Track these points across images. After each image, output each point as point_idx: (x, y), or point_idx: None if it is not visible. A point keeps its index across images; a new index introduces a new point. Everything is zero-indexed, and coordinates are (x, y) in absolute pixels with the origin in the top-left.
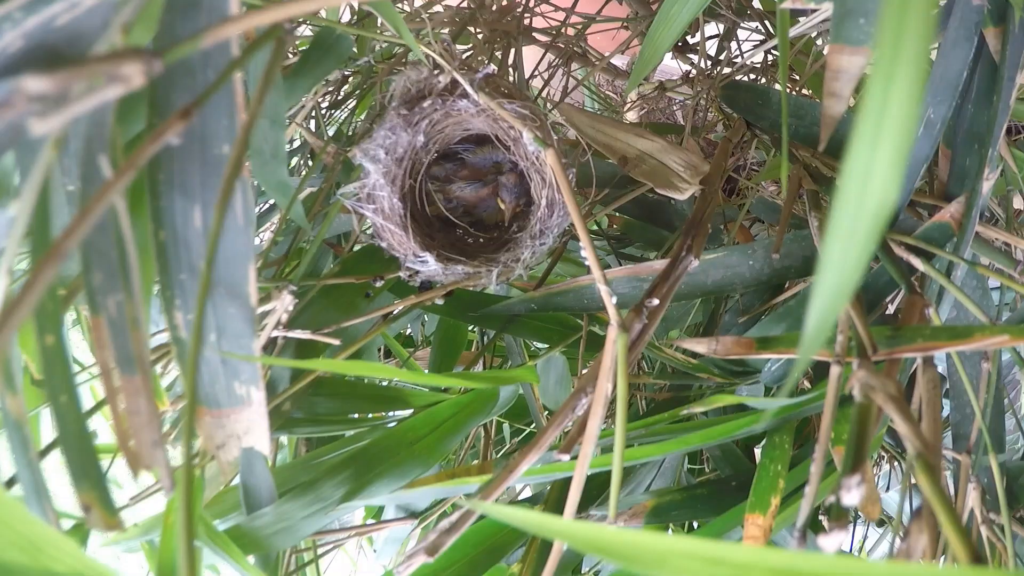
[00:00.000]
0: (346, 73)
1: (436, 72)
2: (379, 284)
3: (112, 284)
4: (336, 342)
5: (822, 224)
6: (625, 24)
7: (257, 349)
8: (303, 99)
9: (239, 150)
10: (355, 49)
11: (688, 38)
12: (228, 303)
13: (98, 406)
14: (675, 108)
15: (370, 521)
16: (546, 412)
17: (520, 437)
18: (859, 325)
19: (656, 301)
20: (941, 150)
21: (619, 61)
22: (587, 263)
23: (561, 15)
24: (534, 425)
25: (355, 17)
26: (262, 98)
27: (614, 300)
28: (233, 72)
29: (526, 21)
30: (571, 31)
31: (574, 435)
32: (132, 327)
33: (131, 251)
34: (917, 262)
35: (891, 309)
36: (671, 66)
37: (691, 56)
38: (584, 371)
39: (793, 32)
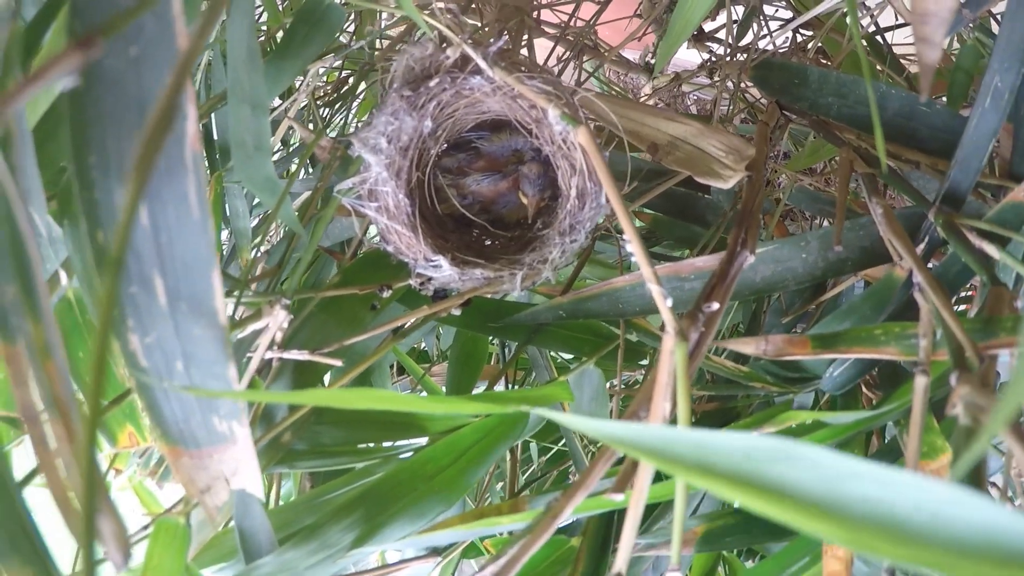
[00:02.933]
0: (345, 73)
1: (443, 47)
2: (386, 294)
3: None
4: (338, 363)
5: (885, 210)
6: (638, 13)
7: (234, 377)
8: (297, 90)
9: (174, 87)
10: (352, 40)
11: (705, 26)
12: (192, 322)
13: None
14: (690, 104)
15: (395, 560)
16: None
17: (548, 455)
18: (953, 325)
19: (716, 305)
20: (1003, 124)
21: (631, 55)
22: (633, 258)
23: (570, 7)
24: (564, 442)
25: None
26: (207, 25)
27: (669, 303)
28: None
29: (534, 14)
30: (580, 23)
31: (628, 470)
32: (43, 358)
33: (32, 253)
34: (991, 249)
35: None
36: (685, 59)
37: (710, 44)
38: (618, 379)
39: (822, 8)
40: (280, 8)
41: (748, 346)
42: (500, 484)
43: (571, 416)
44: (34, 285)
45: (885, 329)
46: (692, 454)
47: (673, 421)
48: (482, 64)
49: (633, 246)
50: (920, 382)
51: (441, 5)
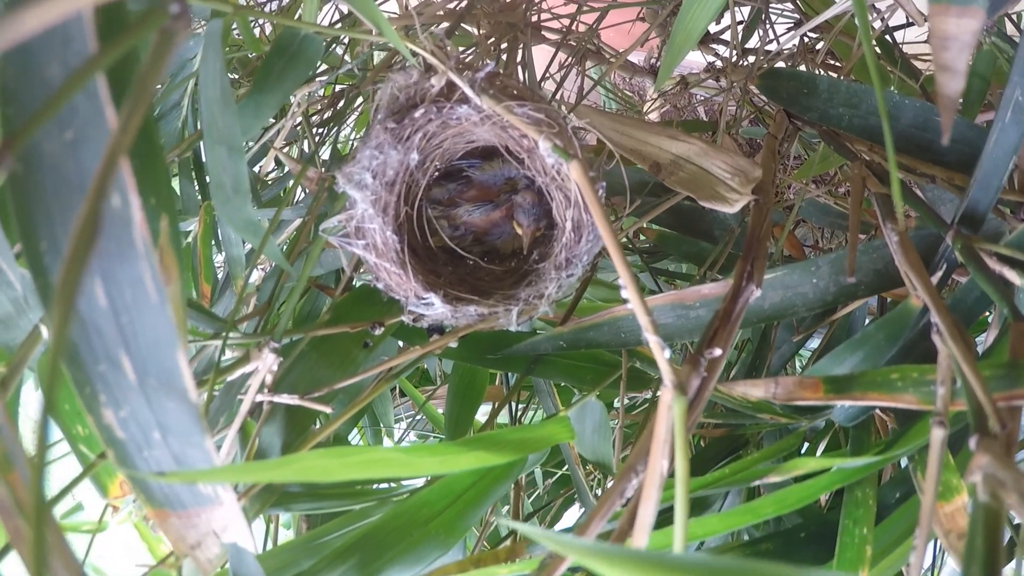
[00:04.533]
0: (340, 87)
1: (428, 75)
2: (378, 332)
3: None
4: (327, 409)
5: (901, 239)
6: (641, 16)
7: (212, 448)
8: (289, 112)
9: (100, 183)
10: (345, 54)
11: (710, 27)
12: (165, 398)
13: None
14: (696, 105)
15: None
16: (583, 461)
17: (554, 479)
18: (974, 382)
19: (718, 352)
20: None
21: (635, 58)
22: (630, 305)
23: (570, 9)
24: (567, 467)
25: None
26: (134, 112)
27: (667, 354)
28: (89, 77)
29: (533, 18)
30: (582, 27)
31: (624, 528)
32: (4, 470)
33: None
34: (1012, 275)
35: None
36: (691, 59)
37: (715, 47)
38: (620, 413)
39: (832, 11)
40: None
41: (757, 389)
42: (506, 508)
43: (556, 534)
44: None
45: (902, 374)
46: None
47: (671, 477)
48: (469, 92)
49: (629, 294)
50: (936, 435)
51: (434, 28)
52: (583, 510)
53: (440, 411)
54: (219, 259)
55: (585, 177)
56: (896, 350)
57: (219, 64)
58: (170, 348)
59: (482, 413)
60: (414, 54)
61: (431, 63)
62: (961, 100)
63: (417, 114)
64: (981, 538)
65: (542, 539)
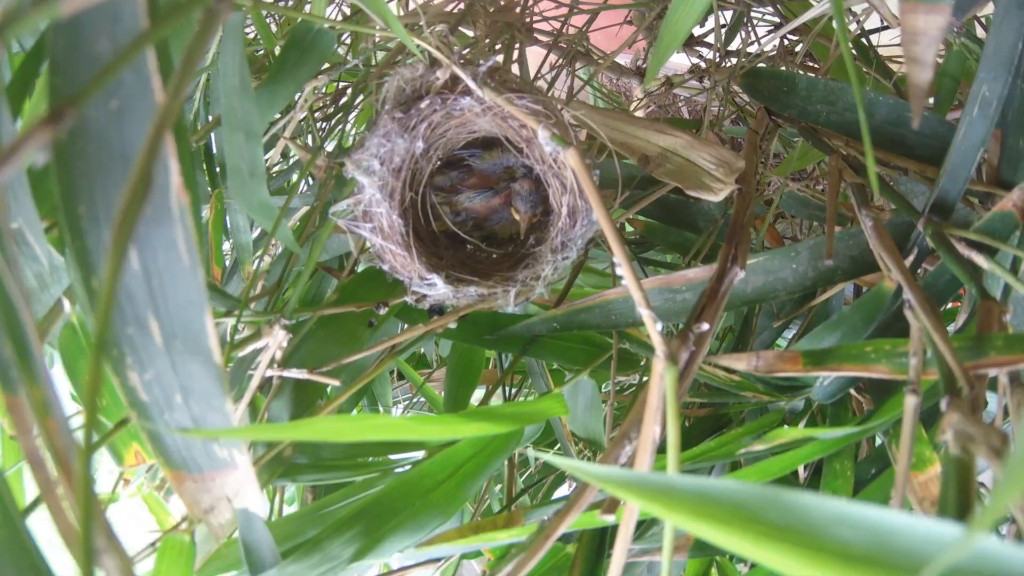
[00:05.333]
0: (342, 84)
1: (433, 68)
2: (383, 311)
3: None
4: (336, 382)
5: (876, 224)
6: (628, 20)
7: (231, 410)
8: (295, 107)
9: (151, 147)
10: (348, 53)
11: (694, 30)
12: (189, 360)
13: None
14: (680, 104)
15: (397, 567)
16: (574, 439)
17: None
18: (944, 350)
19: (706, 326)
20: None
21: (622, 60)
22: (624, 283)
23: (561, 12)
24: (559, 446)
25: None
26: (181, 82)
27: (659, 327)
28: (139, 50)
29: (527, 20)
30: (572, 30)
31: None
32: (42, 415)
33: (26, 320)
34: (980, 259)
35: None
36: (675, 61)
37: (699, 49)
38: (612, 392)
39: (810, 14)
40: (274, 29)
41: (740, 362)
42: (499, 486)
43: (580, 463)
44: (29, 350)
45: (875, 347)
46: (690, 502)
47: (663, 444)
48: (472, 85)
49: (623, 270)
50: (910, 402)
51: (438, 26)
52: (573, 487)
53: (438, 392)
54: (225, 247)
55: (581, 163)
56: (871, 331)
57: (239, 54)
58: (199, 310)
59: (475, 399)
60: (420, 49)
61: (436, 57)
62: (933, 98)
63: (423, 105)
64: (954, 488)
65: (572, 470)
